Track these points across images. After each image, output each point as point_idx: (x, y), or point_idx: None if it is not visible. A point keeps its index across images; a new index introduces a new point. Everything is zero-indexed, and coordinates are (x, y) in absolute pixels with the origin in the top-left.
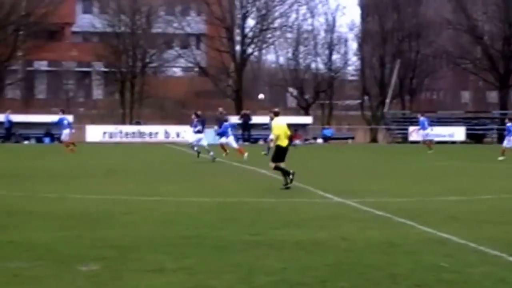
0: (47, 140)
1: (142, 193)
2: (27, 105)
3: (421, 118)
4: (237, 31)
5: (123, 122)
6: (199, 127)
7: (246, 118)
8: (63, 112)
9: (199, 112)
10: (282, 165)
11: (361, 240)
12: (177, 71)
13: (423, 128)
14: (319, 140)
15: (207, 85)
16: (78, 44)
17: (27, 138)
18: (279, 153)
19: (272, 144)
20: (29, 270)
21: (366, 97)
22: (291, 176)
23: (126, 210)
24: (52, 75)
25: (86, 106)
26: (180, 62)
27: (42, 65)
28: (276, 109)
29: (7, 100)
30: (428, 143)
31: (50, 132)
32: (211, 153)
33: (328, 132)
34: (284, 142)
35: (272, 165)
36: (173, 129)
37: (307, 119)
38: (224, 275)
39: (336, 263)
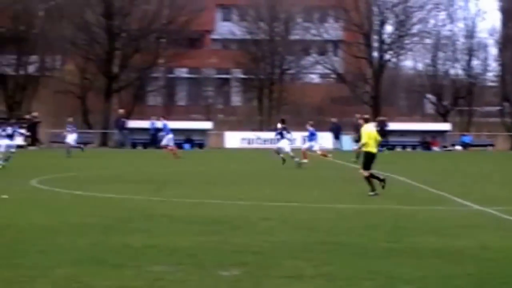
0: (187, 146)
1: (280, 199)
2: (168, 112)
3: None
4: (375, 37)
5: (261, 129)
6: (283, 134)
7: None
8: (165, 118)
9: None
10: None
11: (503, 250)
12: (314, 78)
13: None
14: (458, 147)
15: (344, 92)
16: (218, 51)
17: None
18: (370, 160)
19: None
20: (172, 274)
21: (506, 104)
22: (383, 183)
23: (265, 216)
24: (192, 82)
25: (225, 113)
26: (317, 69)
27: (182, 72)
28: (366, 116)
29: (149, 107)
30: None
31: (190, 138)
32: (296, 159)
33: (467, 139)
34: (373, 149)
35: (365, 173)
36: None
37: (446, 126)
38: (363, 282)
39: (477, 272)
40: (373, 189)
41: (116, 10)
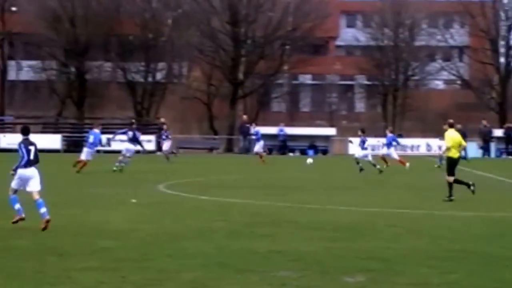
0: (310, 152)
1: (405, 206)
2: (292, 118)
3: None
4: (502, 42)
5: (384, 135)
6: (365, 143)
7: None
8: (256, 125)
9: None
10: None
11: None
12: (439, 84)
13: None
14: None
15: (470, 98)
16: (342, 58)
17: (292, 151)
18: (452, 165)
19: (444, 155)
20: (297, 280)
21: None
22: (472, 188)
23: (390, 223)
24: (316, 88)
25: (349, 119)
26: (442, 75)
27: (306, 78)
28: (451, 120)
29: (273, 113)
30: None
31: (314, 144)
32: (377, 166)
33: None
34: (455, 154)
35: (450, 178)
36: (434, 142)
37: None
38: None
39: None
40: (450, 196)
41: (241, 17)
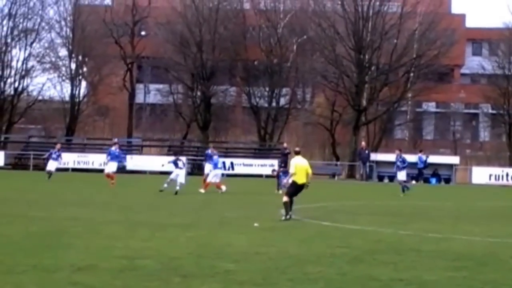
0: (433, 180)
1: None
2: (414, 146)
3: None
4: None
5: (510, 165)
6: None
7: None
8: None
9: None
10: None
11: None
12: None
13: None
14: None
15: None
16: (466, 86)
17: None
18: (296, 189)
19: (290, 180)
20: None
21: None
22: (288, 217)
23: None
24: (440, 116)
25: (473, 148)
26: None
27: (430, 106)
28: (297, 148)
29: (396, 140)
30: None
31: (437, 172)
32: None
33: None
34: (300, 180)
35: (285, 198)
36: None
37: None
38: None
39: None
40: (287, 214)
41: (366, 44)
